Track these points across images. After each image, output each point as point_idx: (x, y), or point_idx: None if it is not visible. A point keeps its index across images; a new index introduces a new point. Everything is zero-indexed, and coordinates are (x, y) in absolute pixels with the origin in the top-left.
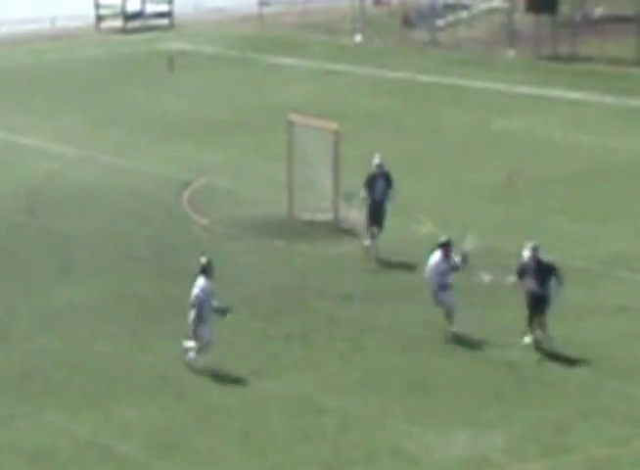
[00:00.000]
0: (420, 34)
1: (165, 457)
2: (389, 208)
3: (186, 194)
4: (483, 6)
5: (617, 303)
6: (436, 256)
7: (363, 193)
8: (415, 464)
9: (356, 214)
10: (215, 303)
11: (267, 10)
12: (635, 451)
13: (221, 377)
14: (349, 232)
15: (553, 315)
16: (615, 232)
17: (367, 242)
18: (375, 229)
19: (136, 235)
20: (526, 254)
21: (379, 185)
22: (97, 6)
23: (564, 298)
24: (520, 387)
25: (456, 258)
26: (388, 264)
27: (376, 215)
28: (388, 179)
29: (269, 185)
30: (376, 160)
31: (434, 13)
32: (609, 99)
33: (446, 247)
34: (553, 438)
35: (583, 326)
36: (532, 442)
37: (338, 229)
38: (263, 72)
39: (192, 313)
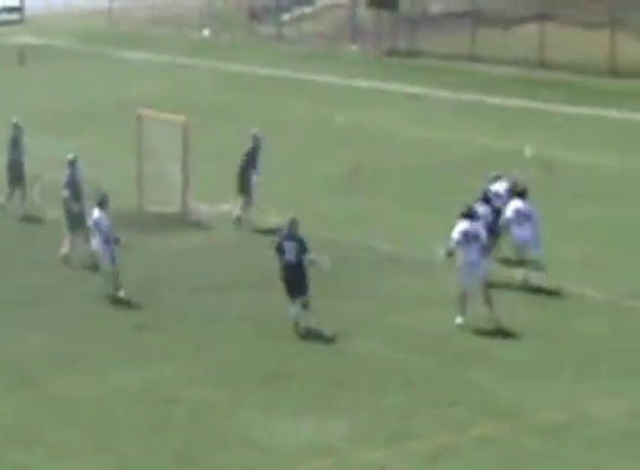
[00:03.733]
0: (266, 29)
1: (19, 449)
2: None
3: (37, 187)
4: (327, 1)
5: (454, 292)
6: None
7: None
8: (263, 452)
9: (205, 207)
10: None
11: (116, 4)
12: (475, 437)
13: (74, 368)
14: (198, 224)
15: (396, 306)
16: (449, 223)
17: (236, 211)
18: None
19: None
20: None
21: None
22: None
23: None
24: (365, 375)
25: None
26: (236, 255)
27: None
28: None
29: (120, 178)
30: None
31: (280, 7)
32: (445, 93)
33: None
34: (397, 425)
35: (425, 315)
36: (377, 429)
37: (186, 222)
38: (113, 66)
39: (97, 238)
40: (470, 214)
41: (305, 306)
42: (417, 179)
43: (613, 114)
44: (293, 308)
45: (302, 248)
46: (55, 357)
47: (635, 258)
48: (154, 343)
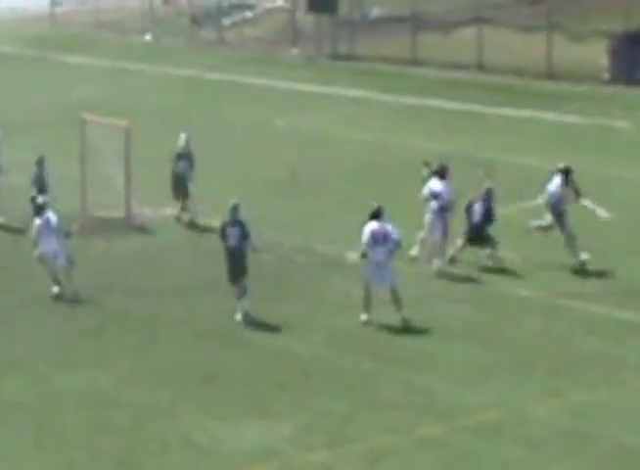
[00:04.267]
0: (207, 33)
1: None
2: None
3: None
4: (267, 5)
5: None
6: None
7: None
8: (205, 455)
9: (148, 211)
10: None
11: (59, 9)
12: (416, 439)
13: (16, 372)
14: (141, 229)
15: (337, 308)
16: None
17: (176, 212)
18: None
19: None
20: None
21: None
22: None
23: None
24: (306, 378)
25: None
26: (178, 259)
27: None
28: (191, 158)
29: (64, 183)
30: (183, 135)
31: (221, 12)
32: (386, 97)
33: (567, 173)
34: (338, 428)
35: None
36: (318, 432)
37: (129, 226)
38: (56, 71)
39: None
40: (377, 215)
41: (245, 292)
42: (357, 182)
43: (550, 116)
44: (238, 306)
45: (244, 233)
46: None
47: (568, 258)
48: (95, 347)
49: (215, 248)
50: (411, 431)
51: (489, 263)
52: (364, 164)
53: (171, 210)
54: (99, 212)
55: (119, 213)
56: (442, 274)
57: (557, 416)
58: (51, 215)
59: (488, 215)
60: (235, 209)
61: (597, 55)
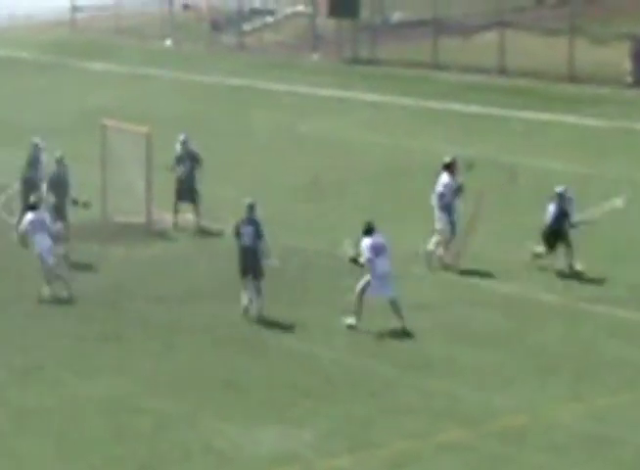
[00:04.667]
0: (228, 39)
1: None
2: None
3: (1, 198)
4: (288, 11)
5: (416, 299)
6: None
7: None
8: (227, 461)
9: (169, 217)
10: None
11: (79, 15)
12: (435, 444)
13: (37, 378)
14: (162, 234)
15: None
16: (411, 230)
17: (172, 217)
18: (187, 206)
19: None
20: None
21: (186, 164)
22: None
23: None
24: (326, 384)
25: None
26: (197, 265)
27: (183, 193)
28: (195, 158)
29: (85, 189)
30: (180, 137)
31: (242, 17)
32: (407, 101)
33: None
34: (359, 433)
35: (387, 322)
36: (340, 437)
37: (150, 231)
38: (76, 77)
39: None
40: (370, 231)
41: (259, 292)
42: (379, 186)
43: (572, 119)
44: (244, 297)
45: (258, 233)
46: (16, 369)
47: (591, 263)
48: (115, 353)
49: (230, 254)
50: (433, 436)
51: (566, 270)
52: (385, 168)
53: (191, 215)
54: (119, 218)
55: (140, 219)
56: (449, 268)
57: (581, 421)
58: (44, 215)
59: (563, 217)
60: (251, 207)
61: (620, 58)
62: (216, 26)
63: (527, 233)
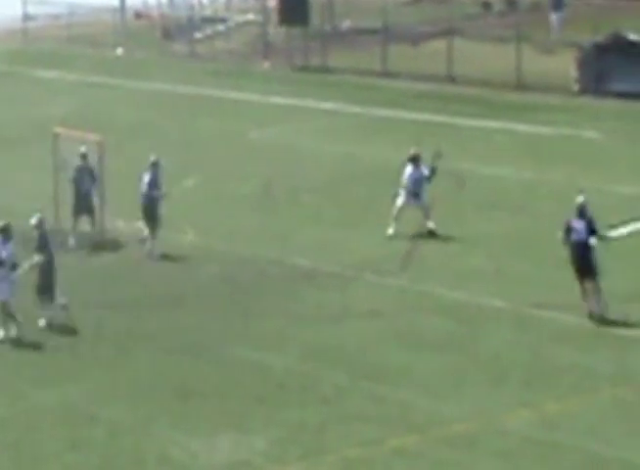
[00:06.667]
0: (179, 47)
1: None
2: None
3: None
4: (239, 19)
5: (368, 307)
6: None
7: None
8: None
9: (121, 225)
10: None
11: (31, 24)
12: (387, 451)
13: None
14: (114, 242)
15: (311, 321)
16: (363, 237)
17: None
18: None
19: None
20: None
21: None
22: None
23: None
24: (279, 391)
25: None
26: (153, 273)
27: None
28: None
29: (36, 198)
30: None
31: (193, 26)
32: (357, 109)
33: (416, 160)
34: (311, 440)
35: (337, 330)
36: (292, 444)
37: (103, 240)
38: (28, 86)
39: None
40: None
41: None
42: (330, 193)
43: (520, 127)
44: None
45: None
46: None
47: (539, 269)
48: (68, 362)
49: (184, 263)
50: (384, 442)
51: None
52: (336, 175)
53: (142, 223)
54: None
55: (92, 227)
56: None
57: (530, 427)
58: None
59: (591, 229)
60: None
61: (566, 66)
62: (168, 35)
63: (481, 239)
